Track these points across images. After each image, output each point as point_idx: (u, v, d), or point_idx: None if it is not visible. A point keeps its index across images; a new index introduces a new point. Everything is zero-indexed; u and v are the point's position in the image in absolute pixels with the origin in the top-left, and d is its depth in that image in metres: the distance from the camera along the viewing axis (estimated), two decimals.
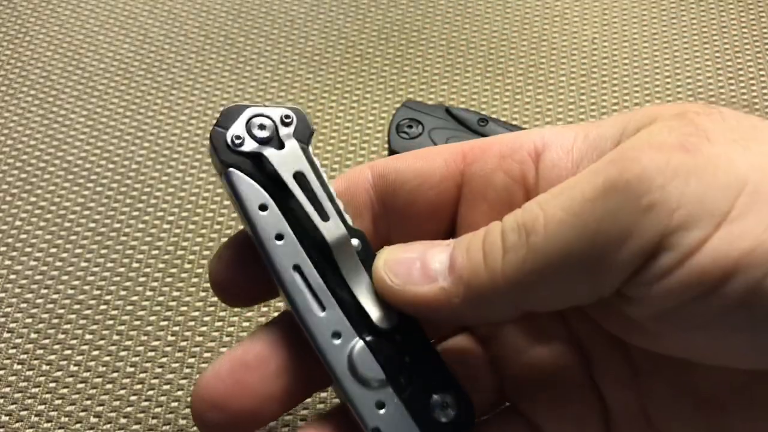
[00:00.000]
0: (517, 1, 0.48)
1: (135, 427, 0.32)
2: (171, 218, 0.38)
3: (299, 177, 0.22)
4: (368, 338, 0.21)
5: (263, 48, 0.46)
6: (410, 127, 0.38)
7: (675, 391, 0.22)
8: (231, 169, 0.21)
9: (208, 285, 0.36)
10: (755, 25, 0.46)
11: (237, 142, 0.22)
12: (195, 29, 0.47)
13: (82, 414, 0.32)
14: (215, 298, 0.35)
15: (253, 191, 0.21)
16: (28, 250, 0.37)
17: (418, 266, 0.21)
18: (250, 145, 0.22)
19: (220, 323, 0.35)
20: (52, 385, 0.33)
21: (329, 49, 0.46)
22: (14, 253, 0.37)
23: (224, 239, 0.37)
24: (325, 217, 0.22)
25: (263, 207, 0.21)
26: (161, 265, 0.37)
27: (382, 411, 0.21)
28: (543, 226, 0.19)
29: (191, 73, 0.45)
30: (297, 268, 0.21)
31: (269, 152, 0.22)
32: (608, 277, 0.19)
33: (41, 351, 0.34)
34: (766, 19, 0.46)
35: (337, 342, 0.21)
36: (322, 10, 0.48)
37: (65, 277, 0.36)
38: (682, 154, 0.18)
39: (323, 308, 0.21)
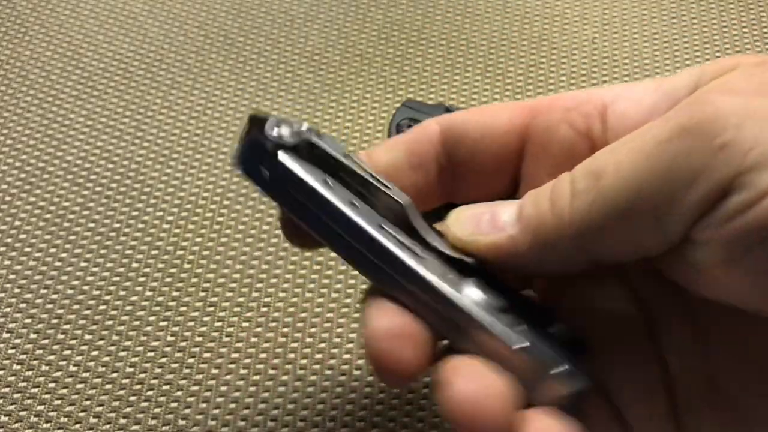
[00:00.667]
0: (517, 0, 0.48)
1: (134, 427, 0.32)
2: (171, 218, 0.38)
3: (347, 157, 0.23)
4: (472, 278, 0.22)
5: (263, 48, 0.46)
6: (410, 126, 0.38)
7: (741, 356, 0.22)
8: (281, 153, 0.22)
9: (208, 285, 0.36)
10: (755, 25, 0.46)
11: (276, 136, 0.22)
12: (195, 29, 0.47)
13: (81, 414, 0.32)
14: (215, 298, 0.35)
15: (311, 170, 0.22)
16: (28, 249, 0.37)
17: (488, 218, 0.22)
18: (291, 138, 0.22)
19: (219, 323, 0.35)
20: (52, 385, 0.33)
21: (329, 48, 0.46)
22: (13, 253, 0.37)
23: (224, 239, 0.37)
24: (384, 186, 0.22)
25: (325, 183, 0.22)
26: (161, 265, 0.37)
27: (521, 332, 0.21)
28: (614, 169, 0.19)
29: (191, 72, 0.45)
30: (381, 227, 0.22)
31: (315, 138, 0.22)
32: (678, 218, 0.18)
33: (40, 351, 0.34)
34: (766, 19, 0.46)
35: (450, 282, 0.21)
36: (322, 9, 0.48)
37: (64, 277, 0.36)
38: (760, 97, 0.18)
39: (421, 258, 0.22)
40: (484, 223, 0.22)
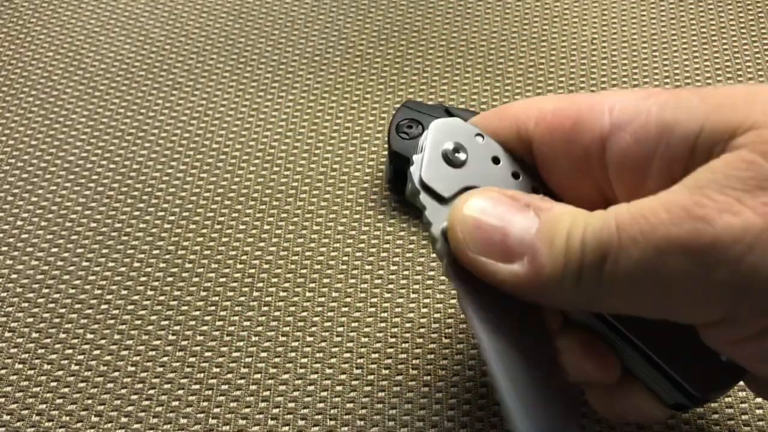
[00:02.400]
0: (517, 1, 0.48)
1: (136, 426, 0.32)
2: (172, 218, 0.38)
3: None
4: None
5: (263, 48, 0.46)
6: (410, 127, 0.38)
7: None
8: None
9: (209, 285, 0.36)
10: (754, 26, 0.46)
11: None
12: (195, 30, 0.47)
13: (83, 413, 0.32)
14: (216, 298, 0.35)
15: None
16: (30, 250, 0.37)
17: (499, 239, 0.21)
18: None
19: (220, 323, 0.35)
20: (54, 384, 0.33)
21: (329, 49, 0.46)
22: (15, 254, 0.37)
23: (225, 239, 0.37)
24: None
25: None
26: (162, 266, 0.37)
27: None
28: (616, 256, 0.19)
29: (192, 73, 0.45)
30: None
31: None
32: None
33: (42, 351, 0.34)
34: (765, 20, 0.47)
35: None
36: (322, 11, 0.48)
37: (66, 278, 0.36)
38: (761, 220, 0.18)
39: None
40: (494, 245, 0.21)
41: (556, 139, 0.23)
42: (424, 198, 0.23)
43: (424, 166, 0.23)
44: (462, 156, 0.23)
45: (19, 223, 0.38)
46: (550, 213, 0.21)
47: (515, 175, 0.24)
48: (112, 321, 0.35)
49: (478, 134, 0.24)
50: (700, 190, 0.19)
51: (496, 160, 0.24)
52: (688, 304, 0.19)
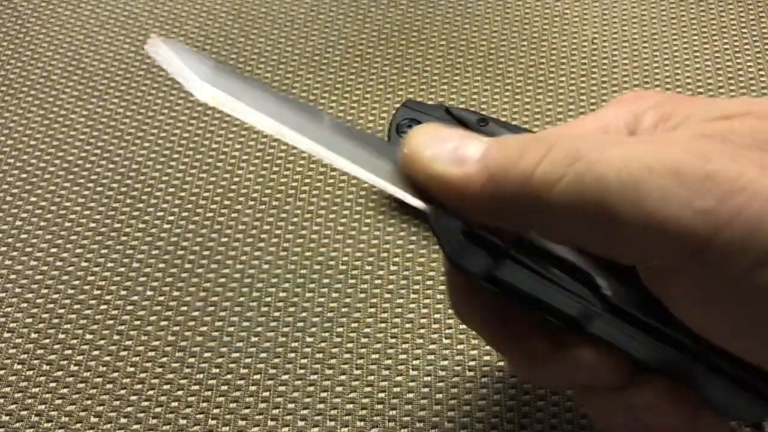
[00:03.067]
0: (517, 1, 0.48)
1: (135, 426, 0.32)
2: (171, 218, 0.38)
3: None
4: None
5: (263, 48, 0.46)
6: (410, 127, 0.38)
7: None
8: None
9: (209, 285, 0.36)
10: (755, 26, 0.46)
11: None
12: (195, 30, 0.47)
13: (82, 414, 0.32)
14: (216, 298, 0.35)
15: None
16: (29, 250, 0.37)
17: (452, 147, 0.21)
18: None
19: (220, 323, 0.35)
20: (53, 385, 0.33)
21: (329, 49, 0.46)
22: (14, 253, 0.37)
23: (224, 239, 0.37)
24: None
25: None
26: (161, 265, 0.37)
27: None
28: (594, 162, 0.19)
29: None
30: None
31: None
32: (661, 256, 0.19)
33: (41, 351, 0.34)
34: (766, 20, 0.47)
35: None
36: (322, 10, 0.48)
37: (65, 277, 0.36)
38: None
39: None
40: (446, 150, 0.21)
41: None
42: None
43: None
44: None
45: (18, 222, 0.38)
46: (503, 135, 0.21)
47: None
48: (111, 321, 0.35)
49: None
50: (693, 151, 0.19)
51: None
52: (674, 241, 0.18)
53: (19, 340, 0.34)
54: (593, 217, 0.19)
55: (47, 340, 0.34)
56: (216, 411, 0.32)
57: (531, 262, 0.22)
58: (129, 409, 0.32)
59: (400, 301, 0.35)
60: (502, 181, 0.20)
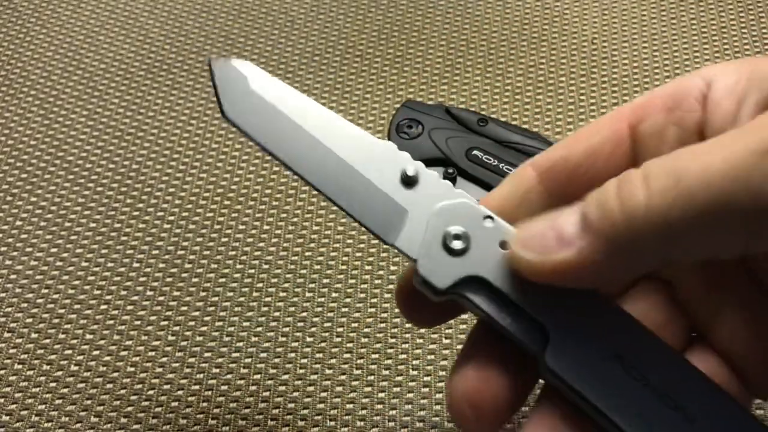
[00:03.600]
0: (517, 1, 0.48)
1: (135, 426, 0.32)
2: (171, 218, 0.38)
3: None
4: None
5: (263, 48, 0.46)
6: (410, 127, 0.38)
7: None
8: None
9: (209, 285, 0.36)
10: (755, 26, 0.46)
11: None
12: (195, 30, 0.47)
13: (82, 414, 0.32)
14: (216, 298, 0.35)
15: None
16: (29, 250, 0.37)
17: (552, 235, 0.21)
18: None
19: (220, 323, 0.35)
20: (53, 385, 0.33)
21: (329, 49, 0.46)
22: (15, 254, 0.37)
23: (224, 239, 0.37)
24: None
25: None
26: (161, 265, 0.37)
27: None
28: (700, 174, 0.18)
29: (191, 73, 0.45)
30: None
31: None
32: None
33: (42, 351, 0.34)
34: (765, 20, 0.47)
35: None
36: (322, 10, 0.48)
37: (66, 278, 0.36)
38: None
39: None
40: (550, 241, 0.21)
41: (657, 125, 0.22)
42: (424, 290, 0.22)
43: (420, 258, 0.22)
44: (461, 243, 0.22)
45: (18, 223, 0.38)
46: (592, 192, 0.21)
47: None
48: (111, 321, 0.35)
49: (487, 217, 0.22)
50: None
51: (504, 245, 0.22)
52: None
53: (19, 340, 0.34)
54: (722, 219, 0.19)
55: (47, 340, 0.34)
56: (216, 411, 0.32)
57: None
58: (129, 408, 0.32)
59: None
60: (616, 237, 0.20)
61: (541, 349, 0.21)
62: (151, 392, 0.33)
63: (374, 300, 0.35)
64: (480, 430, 0.22)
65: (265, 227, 0.38)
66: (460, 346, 0.34)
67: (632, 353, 0.21)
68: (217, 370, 0.33)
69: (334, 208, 0.38)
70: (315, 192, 0.39)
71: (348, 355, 0.34)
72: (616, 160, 0.23)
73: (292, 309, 0.35)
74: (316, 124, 0.23)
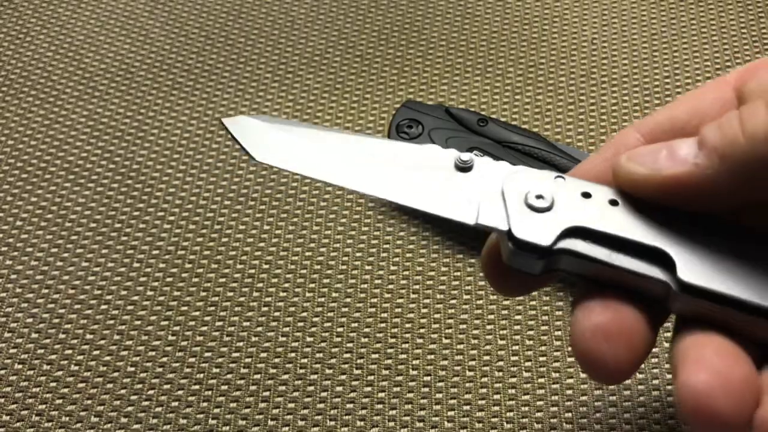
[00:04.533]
0: (517, 1, 0.48)
1: (136, 426, 0.32)
2: (171, 218, 0.38)
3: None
4: None
5: (263, 48, 0.46)
6: (410, 127, 0.38)
7: None
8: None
9: (209, 285, 0.36)
10: (754, 26, 0.46)
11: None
12: (195, 30, 0.47)
13: (83, 414, 0.32)
14: (216, 298, 0.35)
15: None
16: (29, 250, 0.37)
17: (665, 153, 0.21)
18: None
19: (220, 323, 0.35)
20: (53, 384, 0.33)
21: (329, 49, 0.46)
22: (15, 254, 0.37)
23: (225, 239, 0.37)
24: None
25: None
26: (162, 266, 0.37)
27: None
28: None
29: (191, 73, 0.45)
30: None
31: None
32: None
33: (42, 351, 0.34)
34: (765, 20, 0.47)
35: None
36: (322, 10, 0.48)
37: (66, 278, 0.36)
38: None
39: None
40: (662, 159, 0.21)
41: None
42: (523, 259, 0.21)
43: (513, 224, 0.21)
44: (545, 201, 0.22)
45: (19, 223, 0.38)
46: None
47: (613, 202, 0.22)
48: (111, 321, 0.35)
49: (558, 176, 0.22)
50: None
51: (586, 195, 0.22)
52: None
53: (19, 340, 0.34)
54: None
55: (48, 340, 0.34)
56: (216, 411, 0.32)
57: (590, 251, 0.21)
58: (129, 408, 0.32)
59: (400, 301, 0.35)
60: (736, 155, 0.20)
61: (669, 274, 0.21)
62: (151, 392, 0.33)
63: (374, 300, 0.35)
64: (619, 368, 0.20)
65: (265, 227, 0.38)
66: (460, 346, 0.34)
67: (752, 246, 0.21)
68: (218, 370, 0.33)
69: (334, 208, 0.38)
70: (315, 192, 0.39)
71: (348, 355, 0.34)
72: None
73: (292, 309, 0.35)
74: (349, 145, 0.23)
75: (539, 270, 0.22)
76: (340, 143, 0.24)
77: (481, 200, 0.22)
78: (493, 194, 0.22)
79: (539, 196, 0.22)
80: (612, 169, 0.22)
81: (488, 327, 0.34)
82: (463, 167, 0.23)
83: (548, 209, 0.22)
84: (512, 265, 0.22)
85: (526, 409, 0.32)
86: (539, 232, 0.21)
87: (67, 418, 0.32)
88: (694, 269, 0.20)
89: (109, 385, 0.33)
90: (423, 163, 0.23)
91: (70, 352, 0.34)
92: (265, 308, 0.35)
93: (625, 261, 0.21)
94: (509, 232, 0.21)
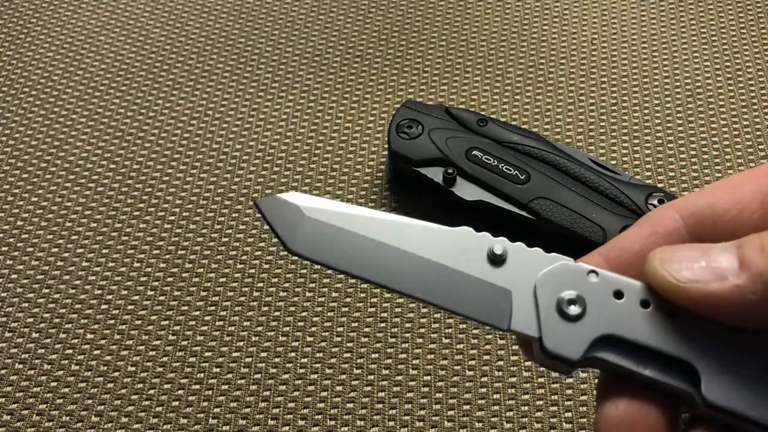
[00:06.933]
0: (517, 2, 0.48)
1: (136, 426, 0.32)
2: (172, 218, 0.38)
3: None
4: None
5: (263, 49, 0.46)
6: (410, 127, 0.38)
7: None
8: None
9: (209, 285, 0.36)
10: (753, 26, 0.46)
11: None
12: (196, 30, 0.47)
13: (83, 413, 0.32)
14: (216, 298, 0.35)
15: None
16: (30, 250, 0.37)
17: (703, 264, 0.21)
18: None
19: (221, 323, 0.35)
20: (54, 384, 0.33)
21: (329, 50, 0.46)
22: (16, 254, 0.37)
23: (224, 239, 0.37)
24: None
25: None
26: (162, 266, 0.37)
27: None
28: None
29: (192, 73, 0.45)
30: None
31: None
32: None
33: (43, 351, 0.34)
34: (764, 20, 0.47)
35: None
36: (322, 11, 0.48)
37: (66, 278, 0.36)
38: None
39: None
40: (699, 270, 0.21)
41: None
42: (555, 364, 0.22)
43: (544, 334, 0.21)
44: (577, 307, 0.21)
45: (19, 223, 0.38)
46: (751, 236, 0.21)
47: (644, 304, 0.22)
48: (112, 321, 0.35)
49: (591, 271, 0.22)
50: None
51: (618, 295, 0.22)
52: None
53: (20, 340, 0.34)
54: None
55: (48, 340, 0.34)
56: (217, 410, 0.32)
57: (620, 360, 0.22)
58: (130, 408, 0.32)
59: (400, 301, 0.35)
60: None
61: (694, 387, 0.21)
62: (151, 392, 0.33)
63: (374, 300, 0.35)
64: None
65: (265, 227, 0.38)
66: (460, 346, 0.34)
67: None
68: (218, 370, 0.33)
69: None
70: (315, 192, 0.39)
71: (348, 355, 0.34)
72: (763, 213, 0.23)
73: (292, 309, 0.35)
74: (383, 231, 0.23)
75: (569, 373, 0.22)
76: (373, 232, 0.23)
77: (514, 300, 0.22)
78: (526, 293, 0.22)
79: (571, 301, 0.22)
80: (645, 266, 0.22)
81: (488, 327, 0.34)
82: (497, 260, 0.22)
83: (580, 317, 0.22)
84: (542, 365, 0.22)
85: (526, 409, 0.32)
86: (570, 343, 0.21)
87: (68, 418, 0.32)
88: (719, 388, 0.21)
89: (110, 385, 0.33)
90: (456, 254, 0.23)
91: (70, 352, 0.34)
92: (265, 308, 0.35)
93: (653, 372, 0.21)
94: (540, 342, 0.21)
